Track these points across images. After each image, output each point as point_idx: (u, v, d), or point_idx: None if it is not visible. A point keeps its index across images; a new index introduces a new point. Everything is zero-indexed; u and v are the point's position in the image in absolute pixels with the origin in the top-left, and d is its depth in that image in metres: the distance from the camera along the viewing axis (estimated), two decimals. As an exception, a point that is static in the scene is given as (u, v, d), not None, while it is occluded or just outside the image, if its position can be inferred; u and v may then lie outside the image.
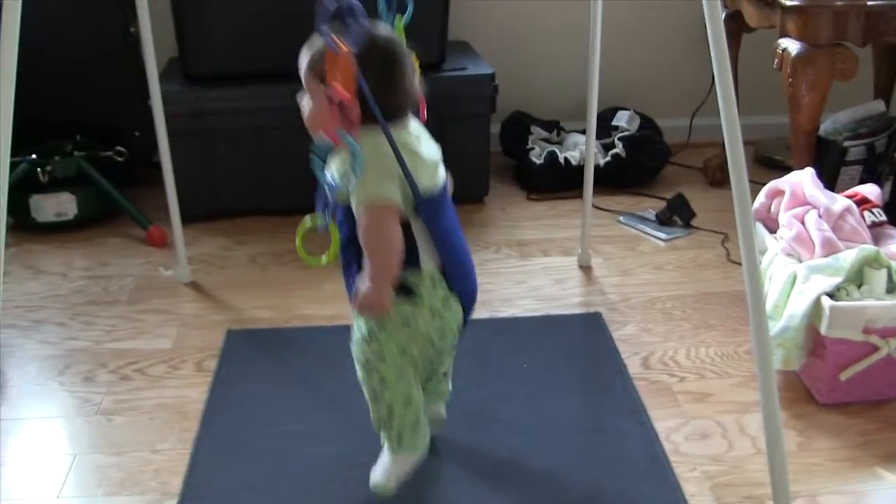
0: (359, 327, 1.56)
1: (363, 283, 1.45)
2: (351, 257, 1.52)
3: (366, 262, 1.45)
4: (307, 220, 1.46)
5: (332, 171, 1.46)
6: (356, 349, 1.58)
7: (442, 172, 1.54)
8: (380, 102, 1.39)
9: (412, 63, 1.50)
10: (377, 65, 1.43)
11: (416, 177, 1.43)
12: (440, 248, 1.50)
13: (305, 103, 1.49)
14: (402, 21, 1.62)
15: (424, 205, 1.46)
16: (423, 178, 1.46)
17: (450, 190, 1.58)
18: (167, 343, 2.21)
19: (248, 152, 2.83)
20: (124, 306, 2.39)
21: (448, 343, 1.59)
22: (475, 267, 1.62)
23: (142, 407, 1.96)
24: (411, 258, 1.48)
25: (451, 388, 1.81)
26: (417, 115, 1.56)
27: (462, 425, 1.84)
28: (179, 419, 1.91)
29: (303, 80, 1.48)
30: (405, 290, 1.50)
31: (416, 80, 1.50)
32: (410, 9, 1.64)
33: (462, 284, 1.55)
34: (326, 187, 1.42)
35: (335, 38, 1.30)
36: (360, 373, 1.59)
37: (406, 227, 1.46)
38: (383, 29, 1.50)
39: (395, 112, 1.46)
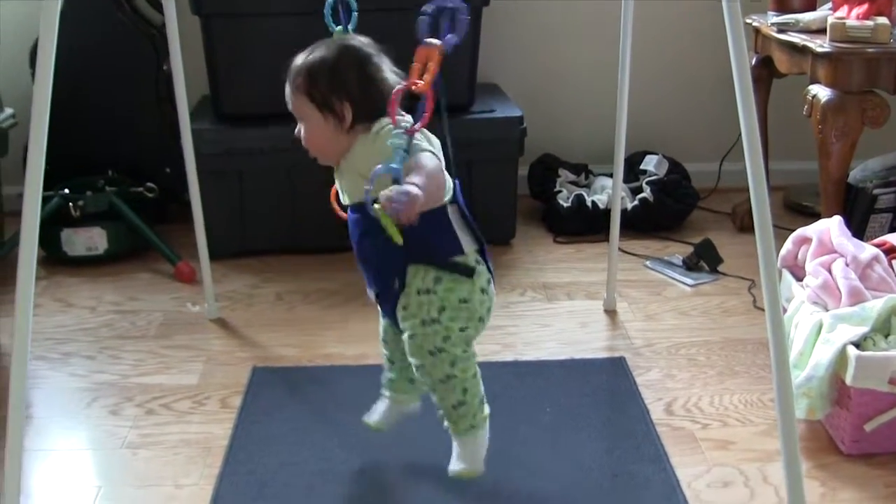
0: (412, 325, 1.58)
1: (409, 184, 1.33)
2: (366, 251, 1.60)
3: (417, 175, 1.38)
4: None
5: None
6: (416, 344, 1.59)
7: None
8: (366, 102, 1.53)
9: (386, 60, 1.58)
10: (354, 70, 1.55)
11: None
12: (475, 231, 1.58)
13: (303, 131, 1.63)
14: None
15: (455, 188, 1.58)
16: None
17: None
18: (193, 379, 2.22)
19: (277, 192, 2.86)
20: (152, 341, 2.41)
21: (487, 322, 1.64)
22: None
23: (166, 442, 1.97)
24: (454, 244, 1.56)
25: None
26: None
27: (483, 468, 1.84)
28: (203, 455, 1.92)
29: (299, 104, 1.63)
30: (460, 270, 1.56)
31: (389, 75, 1.56)
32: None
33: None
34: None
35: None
36: (424, 366, 1.60)
37: (443, 214, 1.54)
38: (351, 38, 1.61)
39: (376, 109, 1.52)
